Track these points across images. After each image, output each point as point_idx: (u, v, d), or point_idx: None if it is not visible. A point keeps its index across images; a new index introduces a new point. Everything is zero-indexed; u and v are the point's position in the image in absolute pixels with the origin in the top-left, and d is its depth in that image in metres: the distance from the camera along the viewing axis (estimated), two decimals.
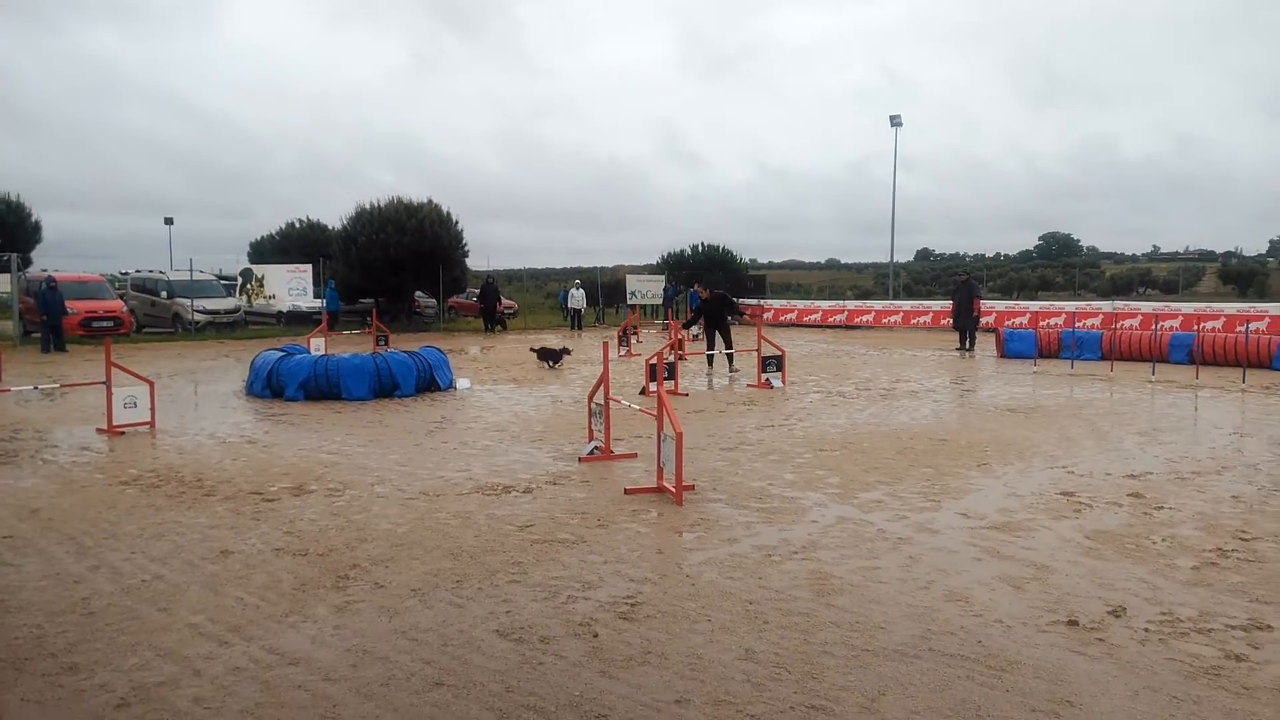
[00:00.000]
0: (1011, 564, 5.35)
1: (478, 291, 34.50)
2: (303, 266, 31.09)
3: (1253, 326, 19.59)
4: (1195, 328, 21.27)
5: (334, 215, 63.82)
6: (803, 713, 3.51)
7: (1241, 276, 56.46)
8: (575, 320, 33.47)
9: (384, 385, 13.27)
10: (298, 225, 42.71)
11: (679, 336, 14.85)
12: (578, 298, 33.72)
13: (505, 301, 35.42)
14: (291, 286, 30.79)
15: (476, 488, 7.36)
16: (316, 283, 31.09)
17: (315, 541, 5.84)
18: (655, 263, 45.71)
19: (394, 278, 31.79)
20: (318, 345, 18.69)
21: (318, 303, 30.28)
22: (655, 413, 7.29)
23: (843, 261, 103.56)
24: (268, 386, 13.26)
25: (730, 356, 16.44)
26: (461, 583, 5.03)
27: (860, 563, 5.37)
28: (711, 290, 17.17)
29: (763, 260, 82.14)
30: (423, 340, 22.93)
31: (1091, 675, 3.83)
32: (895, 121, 39.52)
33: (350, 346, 20.93)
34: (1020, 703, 3.59)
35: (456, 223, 33.98)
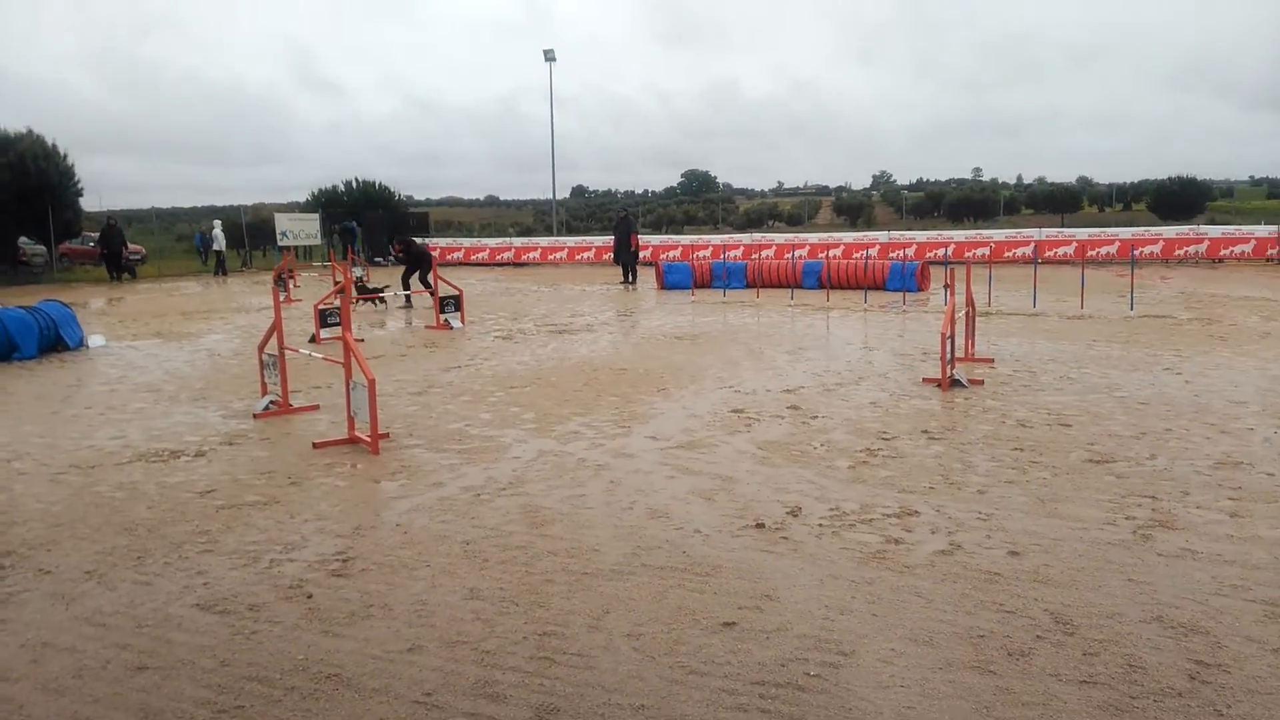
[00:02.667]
0: (700, 479, 5.77)
1: (96, 236, 30.60)
2: None
3: (868, 253, 22.35)
4: (821, 256, 23.83)
5: None
6: (535, 640, 3.60)
7: (851, 209, 63.86)
8: (219, 265, 30.84)
9: None
10: None
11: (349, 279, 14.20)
12: (220, 239, 31.03)
13: (131, 246, 31.69)
14: None
15: (138, 455, 6.65)
16: None
17: None
18: (305, 200, 43.19)
19: None
20: None
21: None
22: (339, 360, 6.97)
23: (502, 198, 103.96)
24: None
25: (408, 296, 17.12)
26: (143, 559, 4.56)
27: (567, 492, 5.54)
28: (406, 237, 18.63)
29: (420, 197, 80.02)
30: (33, 294, 20.01)
31: (782, 570, 4.27)
32: (549, 56, 39.92)
33: None
34: (728, 602, 3.93)
35: (65, 156, 29.84)
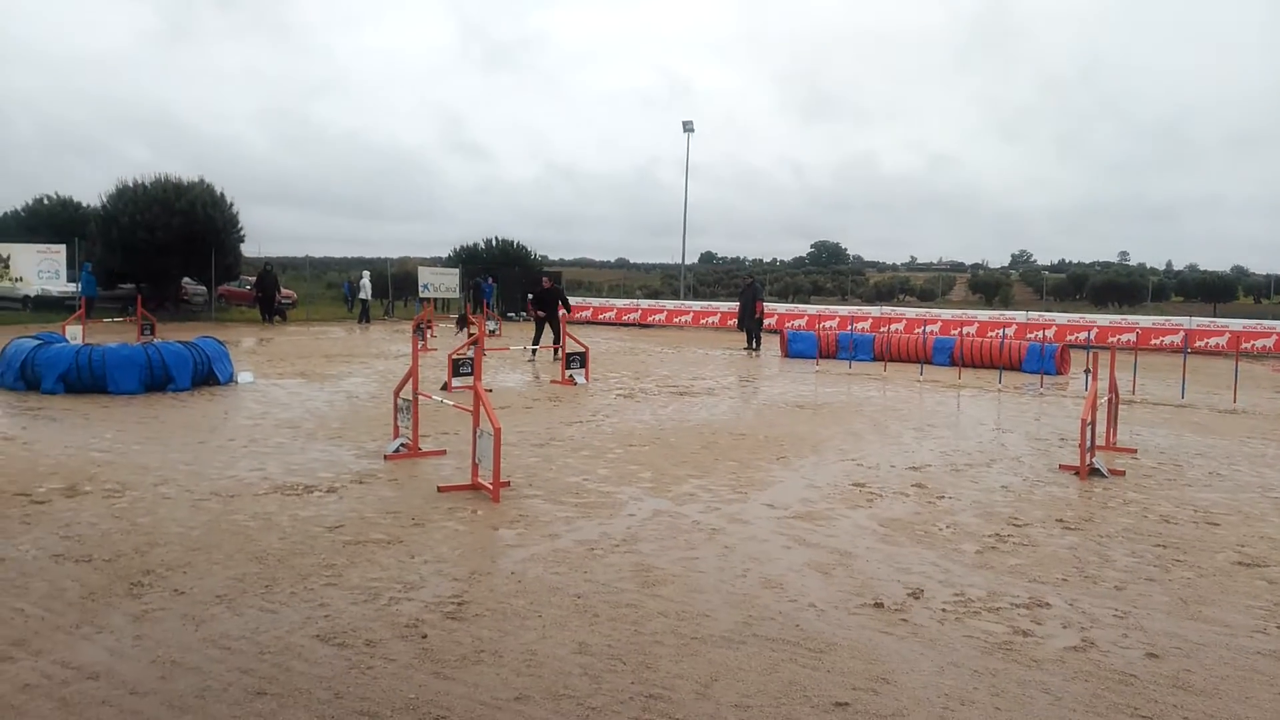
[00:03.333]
0: (817, 551, 5.64)
1: (253, 279, 32.58)
2: (55, 247, 28.21)
3: (1005, 332, 21.67)
4: (953, 332, 23.23)
5: (88, 193, 58.50)
6: (641, 702, 3.56)
7: (988, 286, 62.21)
8: (363, 312, 32.28)
9: (156, 378, 12.27)
10: (46, 202, 38.99)
11: (483, 331, 14.68)
12: (367, 288, 32.54)
13: (284, 291, 33.57)
14: (42, 269, 27.86)
15: (274, 487, 6.96)
16: (70, 265, 28.34)
17: (99, 546, 5.32)
18: (447, 255, 44.91)
19: (160, 262, 29.49)
20: (75, 333, 17.11)
21: (71, 287, 27.62)
22: (468, 408, 7.16)
23: (632, 261, 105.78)
24: (21, 378, 11.95)
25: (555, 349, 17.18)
26: (271, 587, 4.74)
27: (680, 554, 5.50)
28: (552, 282, 19.30)
29: (554, 257, 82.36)
30: (191, 330, 21.38)
31: (901, 654, 4.11)
32: (687, 127, 40.75)
33: (110, 335, 19.22)
34: (841, 682, 3.80)
35: (231, 205, 32.05)
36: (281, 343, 21.86)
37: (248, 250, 35.96)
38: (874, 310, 32.62)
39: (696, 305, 35.75)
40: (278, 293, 30.90)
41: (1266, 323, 27.13)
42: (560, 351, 15.55)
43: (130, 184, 30.60)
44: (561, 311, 18.01)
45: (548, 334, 18.73)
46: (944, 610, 4.66)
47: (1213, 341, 25.51)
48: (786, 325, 28.43)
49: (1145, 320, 28.38)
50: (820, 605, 4.70)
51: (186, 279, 32.29)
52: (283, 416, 10.45)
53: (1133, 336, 25.33)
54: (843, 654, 4.08)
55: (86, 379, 11.88)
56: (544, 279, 19.92)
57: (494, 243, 43.31)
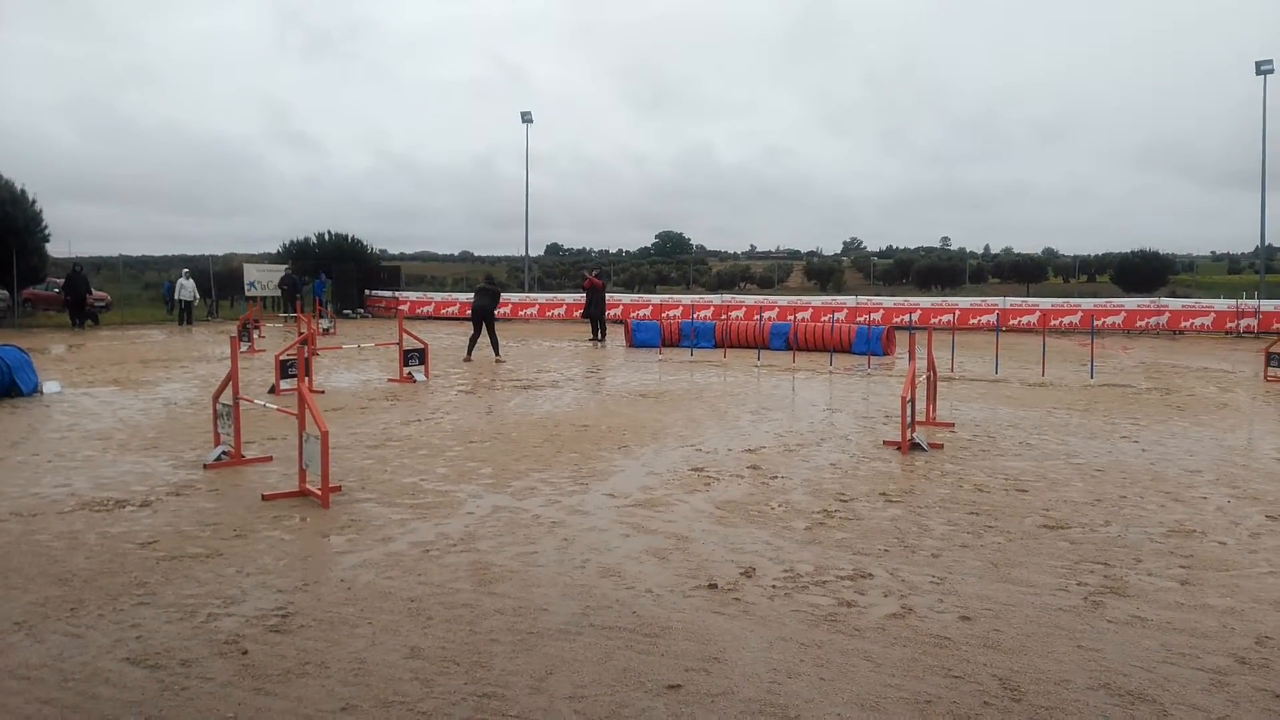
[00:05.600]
0: (656, 537, 5.71)
1: (61, 281, 30.29)
2: None
3: (836, 317, 22.55)
4: (790, 318, 24.02)
5: None
6: (474, 702, 3.51)
7: (822, 273, 64.62)
8: (185, 314, 30.52)
9: None
10: None
11: (313, 330, 14.13)
12: (188, 288, 30.73)
13: (96, 293, 31.30)
14: None
15: (82, 504, 6.49)
16: None
17: None
18: (276, 250, 43.09)
19: None
20: None
21: None
22: (295, 411, 6.88)
23: (476, 254, 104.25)
24: None
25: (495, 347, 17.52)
26: (76, 610, 4.42)
27: (518, 549, 5.45)
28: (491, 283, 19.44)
29: (394, 251, 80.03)
30: None
31: (733, 632, 4.20)
32: (526, 118, 40.44)
33: None
34: (675, 664, 3.85)
35: (34, 202, 29.69)
36: (94, 349, 20.41)
37: (55, 250, 33.45)
38: (715, 298, 33.35)
39: (542, 298, 35.63)
40: (89, 295, 28.77)
41: (1073, 300, 29.33)
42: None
43: None
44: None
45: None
46: (774, 587, 4.80)
47: (1025, 320, 27.37)
48: (631, 315, 28.69)
49: (964, 301, 30.17)
50: (657, 590, 4.76)
51: None
52: (93, 427, 9.76)
53: (952, 317, 26.88)
54: (677, 637, 4.14)
55: None
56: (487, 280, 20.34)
57: (327, 236, 41.85)
